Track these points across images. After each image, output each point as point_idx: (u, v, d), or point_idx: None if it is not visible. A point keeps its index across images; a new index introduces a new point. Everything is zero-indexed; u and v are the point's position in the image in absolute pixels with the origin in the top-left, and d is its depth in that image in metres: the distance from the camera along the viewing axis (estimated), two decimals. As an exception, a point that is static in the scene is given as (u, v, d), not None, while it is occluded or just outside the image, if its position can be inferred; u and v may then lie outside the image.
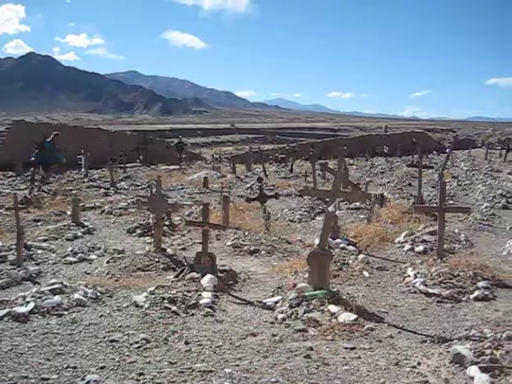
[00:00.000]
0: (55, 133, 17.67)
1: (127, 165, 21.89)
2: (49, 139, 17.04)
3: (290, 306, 5.25)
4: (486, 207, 12.71)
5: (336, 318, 4.95)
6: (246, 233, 8.87)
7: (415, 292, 6.20)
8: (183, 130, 54.21)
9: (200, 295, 5.65)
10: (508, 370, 3.84)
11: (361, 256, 7.66)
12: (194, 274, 6.25)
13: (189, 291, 5.72)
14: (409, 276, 6.71)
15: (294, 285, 5.80)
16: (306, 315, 5.00)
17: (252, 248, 8.12)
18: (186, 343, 4.45)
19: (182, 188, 16.15)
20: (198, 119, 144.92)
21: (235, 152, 35.67)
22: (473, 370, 3.85)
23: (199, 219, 7.96)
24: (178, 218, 10.18)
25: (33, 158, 16.56)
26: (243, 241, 8.43)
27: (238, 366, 4.04)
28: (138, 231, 9.41)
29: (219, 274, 6.41)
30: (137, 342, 4.40)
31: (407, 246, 8.44)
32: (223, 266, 6.88)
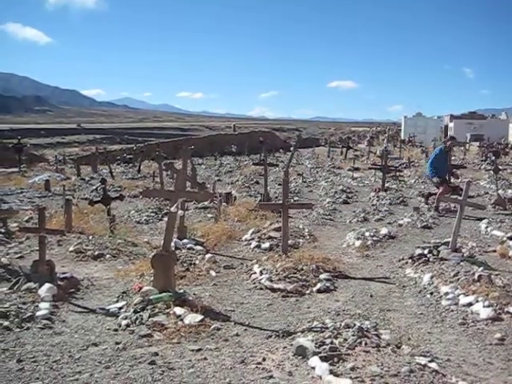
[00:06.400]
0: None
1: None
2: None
3: (135, 311, 5.04)
4: (329, 202, 13.42)
5: (182, 320, 4.85)
6: (90, 237, 8.44)
7: (261, 288, 6.31)
8: (25, 130, 50.92)
9: (37, 306, 5.24)
10: (345, 356, 4.01)
11: (208, 255, 7.64)
12: (31, 284, 5.80)
13: (24, 303, 5.28)
14: (255, 273, 6.81)
15: (140, 288, 5.60)
16: (150, 319, 4.83)
17: (96, 252, 7.74)
18: (19, 361, 4.05)
19: (22, 192, 15.08)
20: (41, 119, 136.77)
21: (81, 153, 34.21)
22: (314, 361, 3.98)
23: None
24: (15, 225, 9.45)
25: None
26: (87, 245, 8.01)
27: (77, 380, 3.78)
28: (-32, 241, 8.58)
29: (59, 283, 5.99)
30: (-39, 365, 3.95)
31: (254, 243, 8.57)
32: (64, 273, 6.45)
